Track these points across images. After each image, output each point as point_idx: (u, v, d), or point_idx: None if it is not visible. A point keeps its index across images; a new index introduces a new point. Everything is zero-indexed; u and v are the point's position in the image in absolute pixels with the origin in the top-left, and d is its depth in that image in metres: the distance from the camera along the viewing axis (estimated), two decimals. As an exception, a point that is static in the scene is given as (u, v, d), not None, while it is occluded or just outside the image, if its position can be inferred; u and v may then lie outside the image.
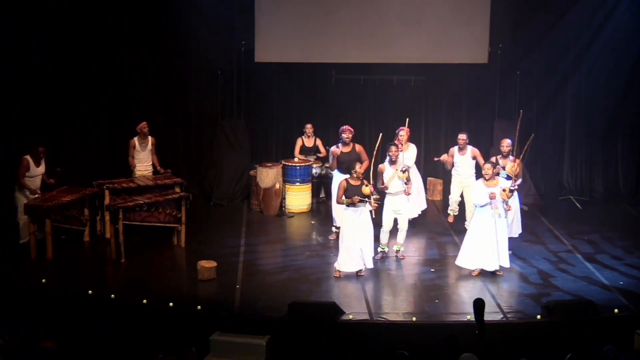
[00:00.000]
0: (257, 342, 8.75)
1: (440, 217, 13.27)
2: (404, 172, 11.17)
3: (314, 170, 13.63)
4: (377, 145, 11.02)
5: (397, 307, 10.09)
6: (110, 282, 10.87)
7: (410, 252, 11.78)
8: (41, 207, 11.22)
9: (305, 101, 14.84)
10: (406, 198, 11.36)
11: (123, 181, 12.30)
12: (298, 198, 13.54)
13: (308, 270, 11.16)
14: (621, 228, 12.95)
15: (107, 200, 11.92)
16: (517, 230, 11.65)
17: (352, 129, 12.16)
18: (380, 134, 11.29)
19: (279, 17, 13.93)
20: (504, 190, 10.60)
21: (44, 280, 10.49)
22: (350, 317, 9.64)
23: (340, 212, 11.31)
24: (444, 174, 13.94)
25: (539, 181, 14.79)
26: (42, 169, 11.80)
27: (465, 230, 12.30)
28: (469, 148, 12.25)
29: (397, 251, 11.54)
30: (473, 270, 10.90)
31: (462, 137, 12.23)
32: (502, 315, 9.72)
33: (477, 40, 14.17)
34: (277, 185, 13.37)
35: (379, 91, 14.81)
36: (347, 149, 12.03)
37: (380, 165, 11.35)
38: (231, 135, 14.40)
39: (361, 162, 11.16)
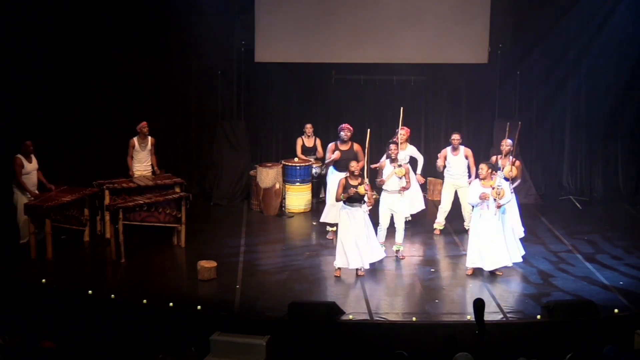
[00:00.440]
0: (257, 342, 8.75)
1: (440, 217, 13.28)
2: (400, 166, 11.21)
3: (314, 170, 13.64)
4: (367, 142, 11.00)
5: (397, 307, 10.10)
6: (110, 282, 10.88)
7: (410, 252, 11.78)
8: (41, 207, 11.22)
9: (305, 101, 14.85)
10: (401, 197, 11.38)
11: (123, 181, 12.30)
12: (298, 198, 13.54)
13: (308, 270, 11.17)
14: (621, 228, 12.95)
15: (107, 200, 11.92)
16: (520, 232, 11.64)
17: (351, 128, 12.18)
18: (369, 130, 11.24)
19: (279, 17, 13.93)
20: (493, 188, 10.59)
21: (44, 280, 10.49)
22: (350, 317, 9.64)
23: (336, 211, 11.31)
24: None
25: (539, 181, 14.79)
26: (34, 164, 11.78)
27: (464, 230, 12.36)
28: (462, 148, 12.27)
29: (397, 251, 11.54)
30: (467, 269, 10.90)
31: (457, 137, 12.25)
32: (502, 315, 9.73)
33: (477, 40, 14.17)
34: (277, 185, 13.38)
35: (379, 91, 14.81)
36: (345, 147, 12.05)
37: (381, 162, 11.38)
38: (231, 135, 14.40)
39: (358, 161, 11.17)
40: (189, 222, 11.98)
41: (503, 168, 11.34)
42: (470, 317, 9.39)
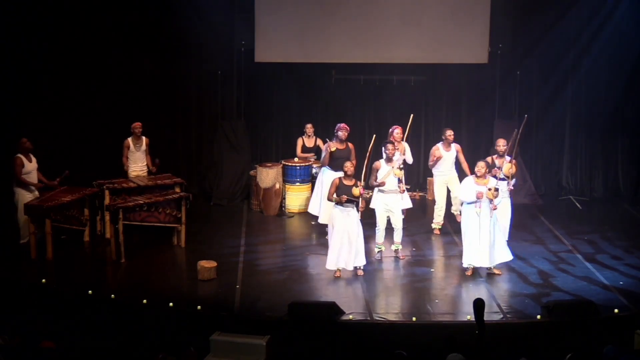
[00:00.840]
0: (257, 342, 8.75)
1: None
2: (401, 169, 11.21)
3: (314, 170, 13.62)
4: (370, 146, 11.02)
5: (396, 307, 10.10)
6: (110, 282, 10.87)
7: (410, 252, 11.78)
8: (41, 207, 11.22)
9: (305, 101, 14.84)
10: (400, 196, 11.38)
11: (123, 181, 12.31)
12: (298, 198, 13.54)
13: (308, 270, 11.17)
14: (621, 228, 12.95)
15: (107, 200, 11.92)
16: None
17: (348, 128, 12.18)
18: (374, 135, 11.28)
19: (279, 17, 13.93)
20: (489, 189, 10.58)
21: (44, 280, 10.49)
22: (350, 317, 9.64)
23: (329, 210, 11.31)
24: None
25: (539, 181, 14.79)
26: (34, 164, 11.78)
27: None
28: (453, 144, 12.29)
29: (396, 250, 11.54)
30: (467, 270, 10.89)
31: (451, 132, 12.27)
32: (502, 315, 9.72)
33: (477, 40, 14.17)
34: (277, 185, 13.38)
35: (379, 91, 14.81)
36: (341, 147, 12.05)
37: (376, 162, 11.36)
38: (231, 135, 14.40)
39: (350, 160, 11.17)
40: (189, 222, 11.98)
41: (502, 167, 11.30)
42: (470, 317, 9.39)
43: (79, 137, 13.80)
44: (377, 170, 11.28)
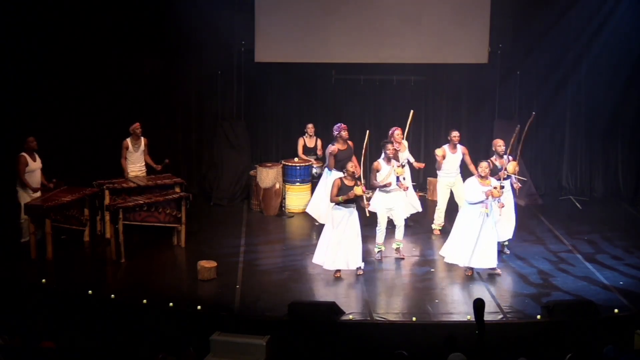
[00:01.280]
0: (257, 342, 8.76)
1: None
2: (403, 167, 11.21)
3: (314, 170, 13.63)
4: (365, 143, 11.02)
5: (396, 307, 10.10)
6: (110, 282, 10.87)
7: (410, 252, 11.78)
8: (41, 207, 11.23)
9: (305, 101, 14.85)
10: (403, 194, 11.38)
11: (123, 181, 12.31)
12: (298, 198, 13.54)
13: (308, 270, 11.16)
14: (621, 228, 12.95)
15: (107, 200, 11.93)
16: (506, 235, 11.57)
17: (346, 127, 12.17)
18: (367, 132, 11.26)
19: (278, 17, 13.94)
20: (495, 187, 10.60)
21: (44, 280, 10.49)
22: (350, 317, 9.65)
23: (328, 211, 11.28)
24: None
25: (539, 181, 14.79)
26: (38, 163, 11.79)
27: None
28: (458, 145, 12.28)
29: (397, 248, 11.54)
30: (467, 270, 10.90)
31: (457, 134, 12.26)
32: (502, 315, 9.73)
33: (477, 40, 14.17)
34: (277, 185, 13.38)
35: (379, 91, 14.82)
36: (344, 147, 12.03)
37: (375, 163, 11.35)
38: (231, 135, 14.40)
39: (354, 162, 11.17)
40: (189, 222, 11.98)
41: (504, 168, 11.28)
42: (470, 317, 9.40)
43: (79, 137, 13.80)
44: (378, 171, 11.27)
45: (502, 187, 10.64)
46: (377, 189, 11.33)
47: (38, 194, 11.76)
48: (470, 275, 10.87)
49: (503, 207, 10.72)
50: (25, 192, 11.68)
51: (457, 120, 14.85)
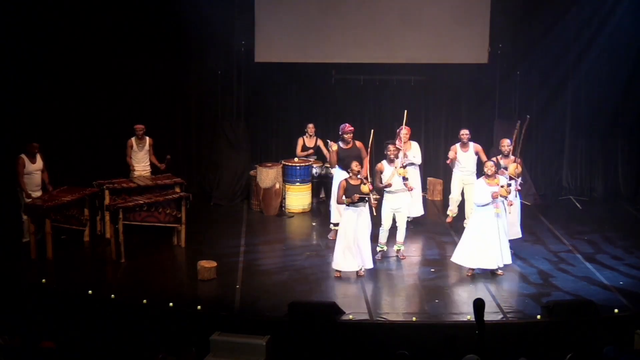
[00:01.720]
0: (257, 342, 8.76)
1: (440, 217, 13.27)
2: (404, 167, 11.21)
3: (314, 170, 13.64)
4: (370, 142, 11.02)
5: (397, 307, 10.10)
6: (110, 282, 10.86)
7: (410, 252, 11.78)
8: (41, 207, 11.22)
9: (305, 101, 14.84)
10: (408, 194, 11.37)
11: (123, 181, 12.31)
12: (298, 198, 13.54)
13: (308, 270, 11.17)
14: (621, 228, 12.95)
15: (107, 200, 11.93)
16: (516, 233, 11.62)
17: (351, 127, 12.13)
18: (372, 130, 11.27)
19: (279, 17, 13.93)
20: (502, 186, 10.60)
21: (44, 280, 10.49)
22: (350, 317, 9.64)
23: (341, 211, 11.30)
24: (444, 174, 13.94)
25: (539, 181, 14.79)
26: (38, 164, 11.80)
27: (464, 228, 12.35)
28: (471, 144, 12.26)
29: (398, 250, 11.54)
30: (468, 270, 10.91)
31: (465, 132, 12.24)
32: (502, 315, 9.73)
33: (477, 40, 14.17)
34: (277, 185, 13.38)
35: (379, 91, 14.81)
36: (347, 146, 12.03)
37: (379, 164, 11.37)
38: (231, 135, 14.40)
39: (361, 158, 11.14)
40: (189, 222, 11.97)
41: (507, 168, 11.29)
42: (470, 317, 9.39)
43: (79, 137, 13.81)
44: (381, 172, 11.27)
45: (509, 185, 10.64)
46: (385, 189, 11.33)
47: (39, 193, 11.74)
48: (471, 276, 10.87)
49: (512, 205, 10.72)
50: (23, 195, 11.67)
51: (457, 120, 14.85)
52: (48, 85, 13.61)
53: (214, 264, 10.80)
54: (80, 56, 13.57)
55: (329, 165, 12.71)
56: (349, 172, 10.80)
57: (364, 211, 10.68)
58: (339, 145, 12.06)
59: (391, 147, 11.33)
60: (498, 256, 10.73)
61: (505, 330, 9.45)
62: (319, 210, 13.75)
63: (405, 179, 11.22)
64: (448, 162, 12.40)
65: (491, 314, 9.53)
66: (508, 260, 10.89)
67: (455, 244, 12.05)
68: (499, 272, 10.87)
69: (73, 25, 13.43)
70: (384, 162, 11.33)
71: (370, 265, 10.86)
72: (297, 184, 13.50)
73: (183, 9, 13.50)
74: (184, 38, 13.86)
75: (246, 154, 14.52)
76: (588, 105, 14.67)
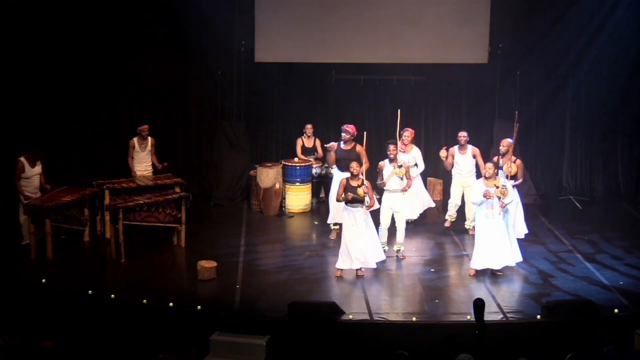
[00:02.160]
0: (257, 342, 8.76)
1: (440, 217, 13.26)
2: (400, 167, 11.22)
3: (314, 170, 13.64)
4: (364, 143, 11.14)
5: (397, 307, 10.10)
6: (110, 282, 10.86)
7: (410, 252, 11.78)
8: (41, 207, 11.22)
9: (305, 101, 14.84)
10: (409, 195, 11.37)
11: (123, 181, 12.31)
12: (298, 198, 13.54)
13: (308, 270, 11.17)
14: (621, 228, 12.94)
15: (107, 200, 11.93)
16: (521, 231, 11.64)
17: (352, 129, 12.08)
18: (365, 133, 11.34)
19: (279, 17, 13.93)
20: (497, 187, 10.59)
21: (44, 280, 10.49)
22: (350, 317, 9.64)
23: (339, 211, 11.33)
24: (444, 174, 13.93)
25: (539, 181, 14.79)
26: (38, 169, 11.78)
27: (465, 230, 12.37)
28: (469, 147, 12.28)
29: (398, 251, 11.54)
30: (469, 270, 10.90)
31: (463, 134, 12.26)
32: (502, 315, 9.73)
33: (477, 40, 14.17)
34: (277, 185, 13.38)
35: (379, 91, 14.80)
36: (347, 147, 12.03)
37: (381, 163, 11.44)
38: (231, 135, 14.40)
39: (360, 163, 11.15)
40: (189, 222, 11.97)
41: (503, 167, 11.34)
42: (470, 317, 9.39)
43: (79, 137, 13.80)
44: (382, 170, 11.31)
45: (504, 187, 10.63)
46: (385, 188, 11.36)
47: (37, 195, 11.73)
48: (471, 276, 10.87)
49: (504, 207, 10.70)
50: (21, 196, 11.66)
51: (457, 120, 14.85)
52: (48, 86, 13.60)
53: (214, 264, 10.80)
54: (81, 56, 13.58)
55: (328, 165, 12.72)
56: (350, 172, 10.81)
57: (357, 213, 10.67)
58: (339, 145, 12.06)
59: (391, 146, 11.35)
60: (509, 254, 10.73)
61: (505, 330, 9.45)
62: (319, 210, 13.73)
63: (402, 178, 11.24)
64: (443, 158, 12.39)
65: (491, 314, 9.53)
66: (519, 257, 10.91)
67: (455, 243, 12.12)
68: (499, 272, 10.86)
69: (73, 26, 13.43)
70: (386, 161, 11.38)
71: (373, 265, 10.85)
72: (297, 184, 13.50)
73: (183, 9, 13.51)
74: (184, 38, 13.86)
75: (246, 154, 14.51)
76: (588, 105, 14.66)
